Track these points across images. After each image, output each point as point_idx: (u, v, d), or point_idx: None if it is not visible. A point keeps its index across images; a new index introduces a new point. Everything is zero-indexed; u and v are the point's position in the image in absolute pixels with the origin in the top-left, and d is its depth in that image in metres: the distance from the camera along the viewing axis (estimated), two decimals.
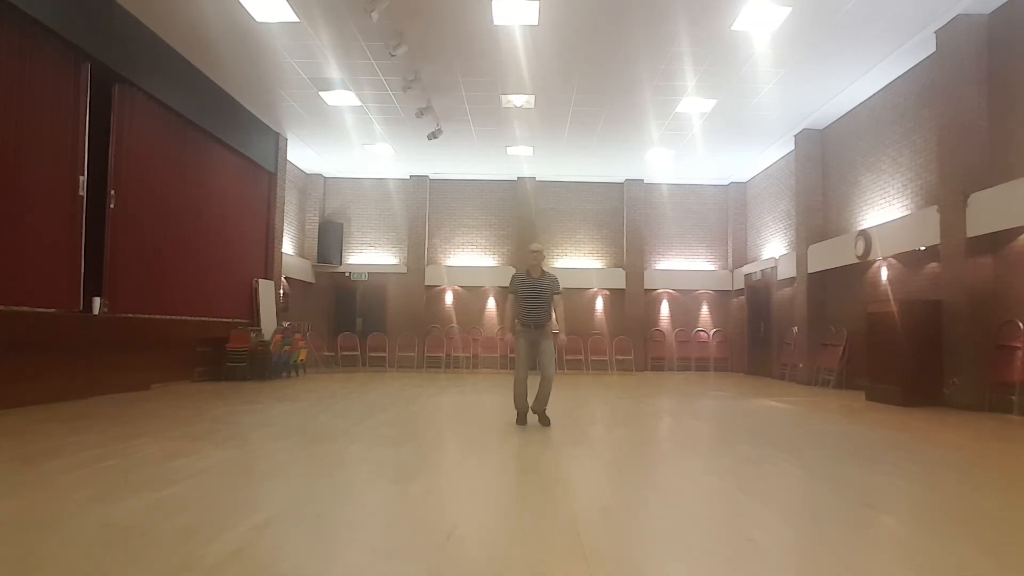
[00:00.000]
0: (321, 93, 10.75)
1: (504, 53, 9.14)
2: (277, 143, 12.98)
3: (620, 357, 15.44)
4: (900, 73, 9.51)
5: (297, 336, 12.58)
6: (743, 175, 15.83)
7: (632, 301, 15.98)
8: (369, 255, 16.41)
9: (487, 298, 16.23)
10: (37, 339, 6.82)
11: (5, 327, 6.32)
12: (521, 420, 5.95)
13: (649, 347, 16.05)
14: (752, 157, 14.27)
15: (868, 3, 7.66)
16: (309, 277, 15.70)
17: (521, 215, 16.10)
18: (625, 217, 16.27)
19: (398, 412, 7.00)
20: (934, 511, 3.24)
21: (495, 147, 13.80)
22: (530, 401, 5.94)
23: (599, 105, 11.21)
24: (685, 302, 16.43)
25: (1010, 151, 7.52)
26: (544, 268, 6.09)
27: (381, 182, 16.30)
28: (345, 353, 15.51)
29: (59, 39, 7.02)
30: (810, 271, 12.00)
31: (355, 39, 8.75)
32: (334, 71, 9.83)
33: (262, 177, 12.65)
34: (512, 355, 7.43)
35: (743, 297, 15.62)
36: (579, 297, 15.91)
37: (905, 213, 9.39)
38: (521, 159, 14.67)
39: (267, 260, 12.79)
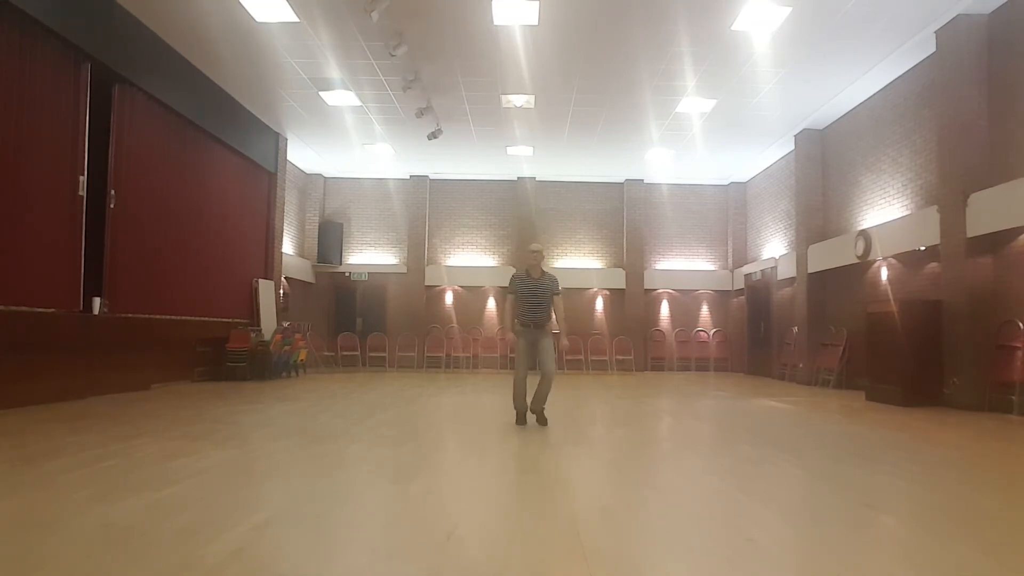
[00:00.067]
0: (321, 93, 10.76)
1: (504, 53, 9.14)
2: (277, 143, 12.98)
3: (620, 357, 15.44)
4: (900, 73, 9.51)
5: (297, 336, 12.58)
6: (743, 175, 15.83)
7: (632, 301, 15.98)
8: (369, 255, 16.41)
9: (487, 298, 16.23)
10: (37, 339, 6.82)
11: (5, 327, 6.32)
12: (521, 420, 5.95)
13: (649, 347, 16.05)
14: (752, 157, 14.27)
15: (868, 3, 7.66)
16: (309, 277, 15.70)
17: (521, 215, 16.10)
18: (625, 217, 16.27)
19: (398, 412, 7.00)
20: (934, 511, 3.24)
21: (495, 147, 13.80)
22: (529, 400, 5.94)
23: (599, 105, 11.21)
24: (685, 302, 16.43)
25: (1010, 151, 7.52)
26: (544, 268, 6.09)
27: (381, 182, 16.30)
28: (345, 353, 15.52)
29: (59, 39, 7.02)
30: (810, 271, 12.00)
31: (355, 39, 8.75)
32: (334, 71, 9.83)
33: (262, 177, 12.65)
34: (512, 355, 7.43)
35: (743, 297, 15.63)
36: (579, 297, 15.91)
37: (905, 213, 9.39)
38: (521, 159, 14.67)
39: (267, 260, 12.79)
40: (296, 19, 8.20)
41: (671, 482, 3.91)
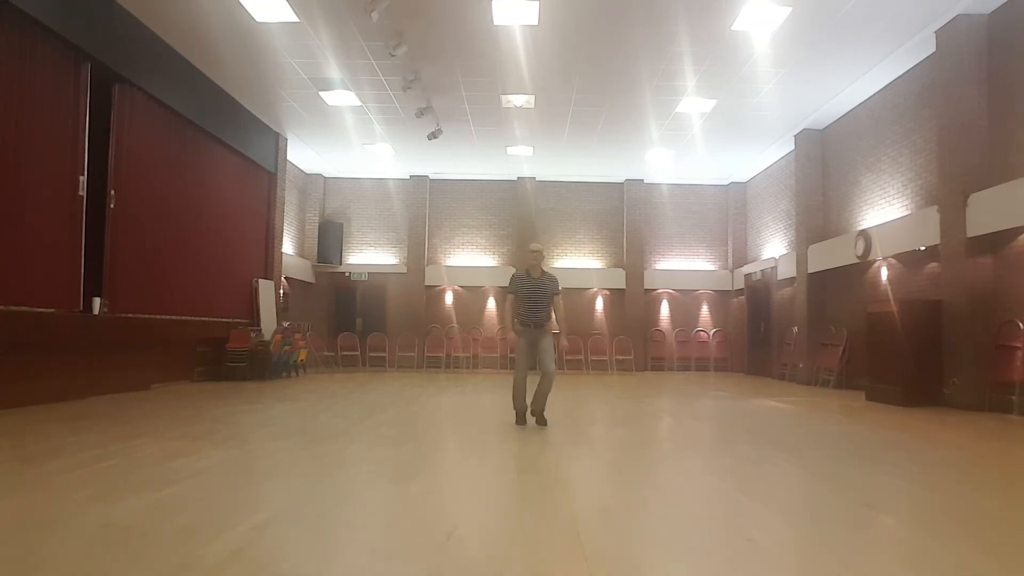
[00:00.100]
0: (321, 93, 10.76)
1: (504, 53, 9.14)
2: (277, 143, 12.98)
3: (620, 357, 15.44)
4: (900, 73, 9.51)
5: (297, 336, 12.58)
6: (743, 175, 15.83)
7: (632, 301, 15.98)
8: (369, 255, 16.41)
9: (487, 298, 16.23)
10: (37, 339, 6.82)
11: (5, 327, 6.32)
12: (520, 420, 5.95)
13: (649, 347, 16.05)
14: (752, 157, 14.27)
15: (868, 3, 7.66)
16: (309, 277, 15.70)
17: (521, 215, 16.10)
18: (625, 217, 16.27)
19: (398, 412, 7.00)
20: (934, 511, 3.24)
21: (495, 147, 13.80)
22: (529, 400, 5.94)
23: (599, 105, 11.21)
24: (685, 302, 16.43)
25: (1010, 151, 7.52)
26: (544, 268, 6.09)
27: (381, 182, 16.30)
28: (345, 353, 15.52)
29: (59, 39, 7.02)
30: (810, 271, 12.00)
31: (355, 39, 8.75)
32: (334, 71, 9.83)
33: (262, 177, 12.65)
34: (512, 355, 7.43)
35: (743, 297, 15.62)
36: (579, 297, 15.91)
37: (905, 213, 9.39)
38: (521, 159, 14.66)
39: (267, 260, 12.79)
40: (296, 19, 8.20)
41: (671, 482, 3.91)
